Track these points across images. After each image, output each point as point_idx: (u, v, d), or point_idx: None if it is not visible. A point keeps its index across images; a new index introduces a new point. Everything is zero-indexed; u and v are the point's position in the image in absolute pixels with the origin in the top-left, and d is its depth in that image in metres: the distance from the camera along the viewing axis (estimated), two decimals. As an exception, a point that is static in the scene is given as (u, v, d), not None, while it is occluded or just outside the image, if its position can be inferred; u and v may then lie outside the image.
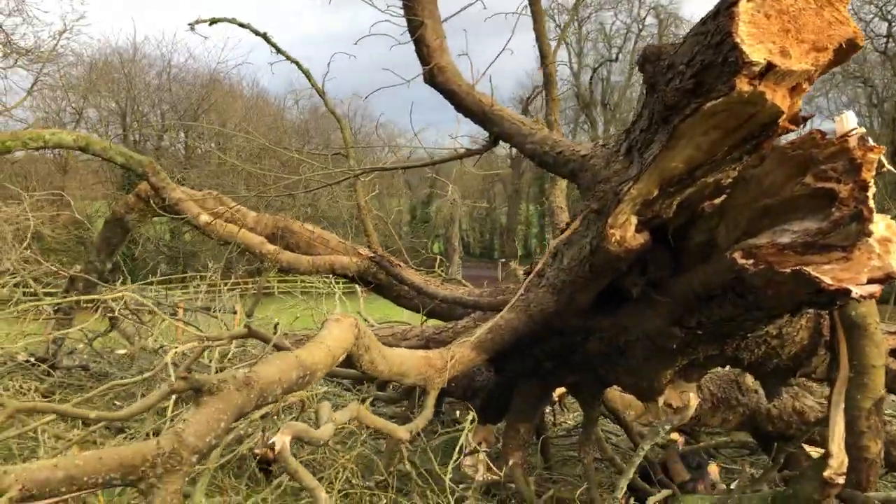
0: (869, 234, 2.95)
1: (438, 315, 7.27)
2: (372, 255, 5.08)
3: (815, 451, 5.29)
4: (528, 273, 5.57)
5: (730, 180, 3.36)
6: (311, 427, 2.93)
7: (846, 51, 2.64)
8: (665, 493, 4.67)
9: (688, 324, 3.94)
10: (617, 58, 49.89)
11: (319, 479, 5.05)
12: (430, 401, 4.72)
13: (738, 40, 2.55)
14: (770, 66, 2.58)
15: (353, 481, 5.08)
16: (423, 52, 4.93)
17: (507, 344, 4.96)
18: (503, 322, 4.98)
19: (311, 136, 43.15)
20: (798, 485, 4.30)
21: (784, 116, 2.80)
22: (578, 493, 4.85)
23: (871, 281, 3.00)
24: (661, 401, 4.79)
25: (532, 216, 59.34)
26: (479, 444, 6.95)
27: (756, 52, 2.55)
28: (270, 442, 2.75)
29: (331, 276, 8.08)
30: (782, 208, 3.37)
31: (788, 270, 3.07)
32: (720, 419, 5.22)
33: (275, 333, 4.36)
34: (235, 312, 12.17)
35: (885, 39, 41.78)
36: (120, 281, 8.85)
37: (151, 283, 12.46)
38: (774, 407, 5.23)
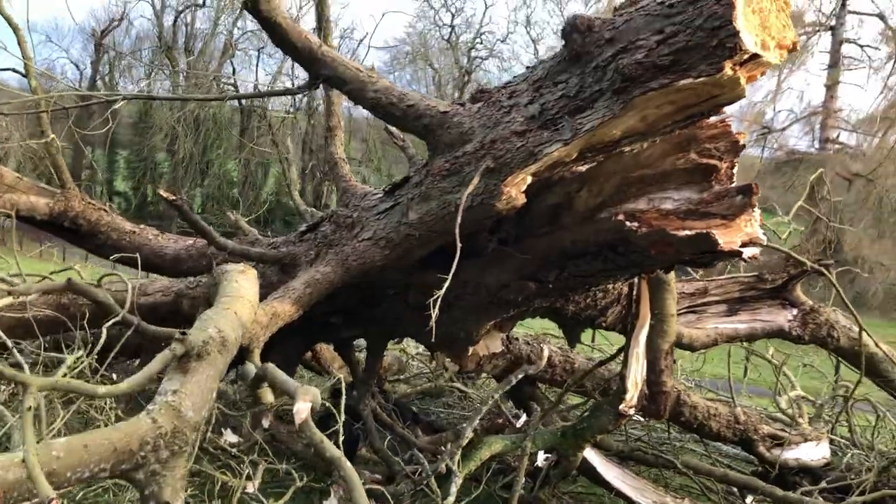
0: (754, 206, 3.58)
1: (154, 268, 6.57)
2: (174, 197, 4.37)
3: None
4: (312, 228, 5.38)
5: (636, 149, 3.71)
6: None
7: (791, 51, 3.17)
8: (524, 418, 5.01)
9: (544, 279, 4.26)
10: (204, 3, 47.92)
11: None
12: (257, 359, 4.34)
13: (738, 28, 2.90)
14: (752, 56, 2.98)
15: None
16: (251, -25, 4.38)
17: (322, 297, 4.75)
18: (320, 276, 4.75)
19: None
20: (593, 418, 4.96)
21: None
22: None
23: (742, 245, 3.64)
24: (471, 350, 5.07)
25: (100, 161, 54.29)
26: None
27: (749, 42, 2.93)
28: (296, 409, 2.35)
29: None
30: (656, 179, 3.88)
31: (689, 233, 3.56)
32: (492, 366, 5.68)
33: (98, 286, 3.56)
34: None
35: (449, 29, 47.28)
36: None
37: None
38: (530, 351, 5.87)
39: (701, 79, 3.07)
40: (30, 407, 1.72)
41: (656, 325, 4.67)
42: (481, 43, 47.96)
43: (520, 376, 5.03)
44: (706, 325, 5.34)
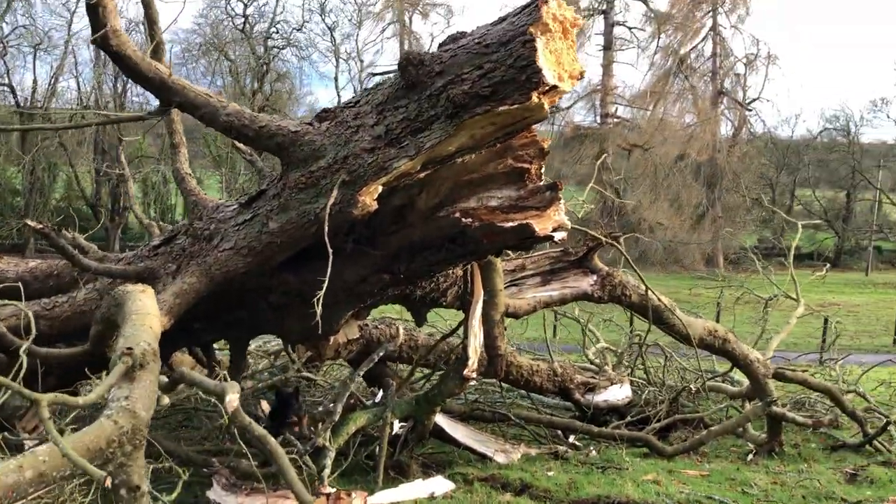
0: (560, 199, 4.50)
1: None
2: (41, 226, 4.58)
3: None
4: (166, 241, 5.72)
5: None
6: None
7: (580, 79, 4.07)
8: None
9: (396, 270, 4.98)
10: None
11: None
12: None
13: (540, 66, 3.75)
14: (553, 87, 3.85)
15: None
16: (99, 13, 4.70)
17: (191, 306, 5.16)
18: (187, 286, 5.16)
19: None
20: (442, 384, 5.77)
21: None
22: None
23: (553, 230, 4.56)
24: (331, 340, 5.68)
25: None
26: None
27: (550, 76, 3.79)
28: (228, 400, 2.91)
29: None
30: (481, 181, 4.72)
31: (513, 224, 4.43)
32: (348, 351, 6.33)
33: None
34: None
35: (242, 19, 46.35)
36: None
37: None
38: (379, 334, 6.58)
39: (515, 105, 3.90)
40: (49, 416, 2.18)
41: (489, 300, 5.53)
42: (277, 32, 47.48)
43: (381, 353, 5.73)
44: (526, 295, 6.30)
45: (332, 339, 5.67)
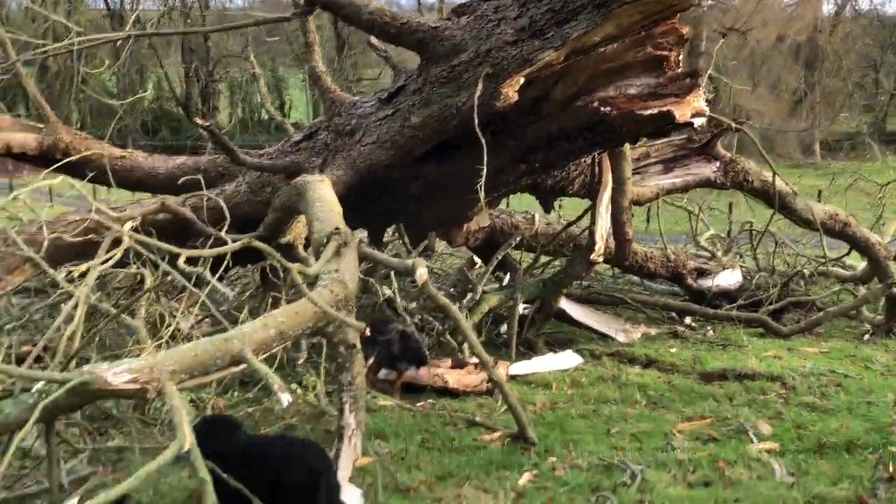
0: (700, 86, 4.61)
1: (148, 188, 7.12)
2: (207, 123, 5.00)
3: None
4: (308, 137, 6.08)
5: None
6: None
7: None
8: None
9: (532, 160, 5.23)
10: None
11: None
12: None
13: (690, -45, 3.82)
14: (703, -26, 3.92)
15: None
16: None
17: (339, 197, 5.55)
18: (335, 178, 5.51)
19: None
20: (569, 268, 6.09)
21: (687, 5, 4.20)
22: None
23: (692, 116, 4.69)
24: (464, 227, 6.04)
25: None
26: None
27: (701, -36, 3.86)
28: (419, 274, 3.29)
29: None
30: (620, 69, 4.84)
31: (653, 111, 4.58)
32: (475, 238, 6.68)
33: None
34: None
35: None
36: None
37: None
38: (502, 223, 6.90)
39: (664, -8, 4.00)
40: (302, 282, 2.59)
41: (617, 187, 5.74)
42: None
43: (518, 239, 6.07)
44: (649, 182, 6.47)
45: (464, 226, 6.01)
